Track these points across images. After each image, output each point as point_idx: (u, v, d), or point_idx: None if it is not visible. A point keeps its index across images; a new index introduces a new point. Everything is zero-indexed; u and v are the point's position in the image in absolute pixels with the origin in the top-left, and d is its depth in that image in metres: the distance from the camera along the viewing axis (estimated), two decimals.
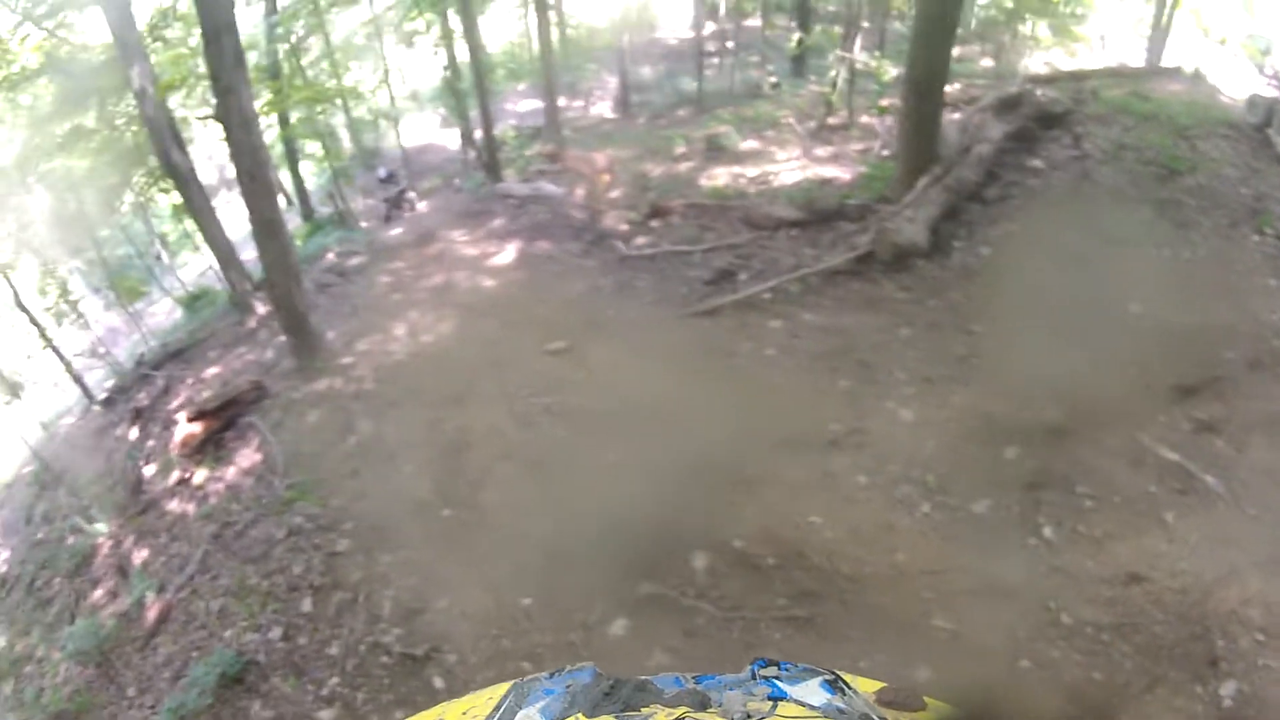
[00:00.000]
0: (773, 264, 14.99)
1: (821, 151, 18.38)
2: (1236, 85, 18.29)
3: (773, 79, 22.46)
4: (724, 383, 12.45)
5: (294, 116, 21.13)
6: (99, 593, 13.34)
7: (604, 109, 24.20)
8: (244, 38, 14.44)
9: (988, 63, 21.79)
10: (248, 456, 14.16)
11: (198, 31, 14.64)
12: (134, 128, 18.42)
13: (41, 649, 13.13)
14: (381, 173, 22.31)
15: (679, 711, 1.73)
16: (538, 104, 24.07)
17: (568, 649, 9.09)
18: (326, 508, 12.36)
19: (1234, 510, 9.66)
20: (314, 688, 10.00)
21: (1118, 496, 9.86)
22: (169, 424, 15.48)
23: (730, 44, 23.73)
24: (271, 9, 19.57)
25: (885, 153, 17.52)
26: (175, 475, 14.52)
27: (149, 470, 15.14)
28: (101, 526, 14.31)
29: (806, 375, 12.40)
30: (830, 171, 17.31)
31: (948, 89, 16.15)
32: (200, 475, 14.26)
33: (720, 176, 18.25)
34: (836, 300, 13.74)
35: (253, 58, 16.69)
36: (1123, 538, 9.42)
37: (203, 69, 15.95)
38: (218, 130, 16.10)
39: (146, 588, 12.60)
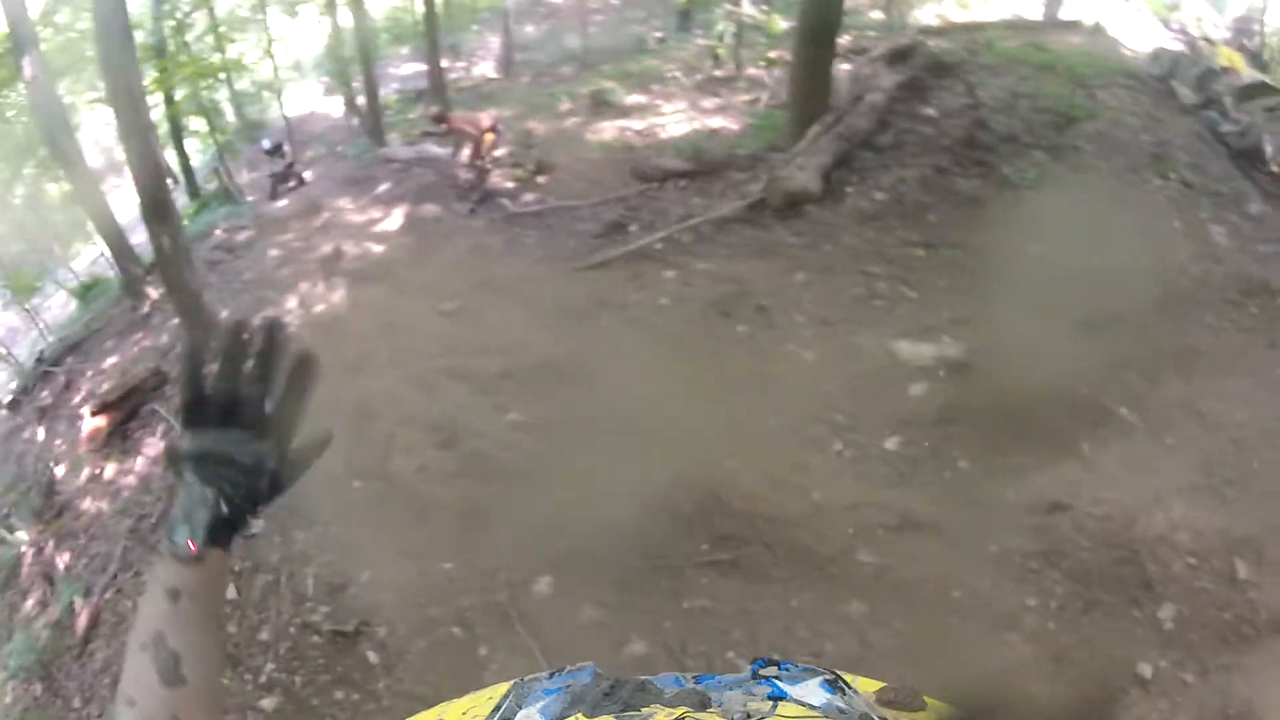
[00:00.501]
0: (662, 215, 15.00)
1: (708, 104, 18.53)
2: (1140, 40, 18.64)
3: (658, 34, 22.92)
4: (619, 334, 12.44)
5: (179, 94, 21.04)
6: (30, 603, 13.10)
7: (487, 69, 24.47)
8: (131, 17, 14.10)
9: (877, 15, 22.17)
10: (154, 446, 13.96)
11: (87, 16, 14.75)
12: (24, 119, 18.40)
13: None
14: (265, 144, 21.12)
15: (679, 711, 1.62)
16: (420, 68, 23.98)
17: (496, 610, 8.98)
18: None
19: (1151, 441, 9.73)
20: (251, 676, 9.80)
21: (1031, 430, 9.80)
22: (74, 420, 15.28)
23: (615, 2, 24.10)
24: None
25: (773, 104, 17.72)
26: (86, 472, 14.31)
27: (60, 470, 14.92)
28: (22, 535, 14.10)
29: (702, 323, 12.37)
30: (718, 123, 17.45)
31: (838, 40, 16.25)
32: (110, 469, 14.03)
33: (606, 131, 18.25)
34: (729, 248, 13.75)
35: (139, 37, 16.44)
36: (1040, 468, 9.36)
37: (92, 53, 15.92)
38: (104, 114, 16.55)
39: (73, 593, 12.37)
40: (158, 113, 19.73)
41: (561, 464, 9.82)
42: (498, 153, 17.72)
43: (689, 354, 11.72)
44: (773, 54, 19.73)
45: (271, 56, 22.92)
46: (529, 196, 16.84)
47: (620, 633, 8.34)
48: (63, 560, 13.12)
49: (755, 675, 1.86)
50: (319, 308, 15.18)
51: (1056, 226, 12.15)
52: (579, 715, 1.67)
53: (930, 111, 15.07)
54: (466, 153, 17.35)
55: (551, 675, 1.89)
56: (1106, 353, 10.48)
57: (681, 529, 9.20)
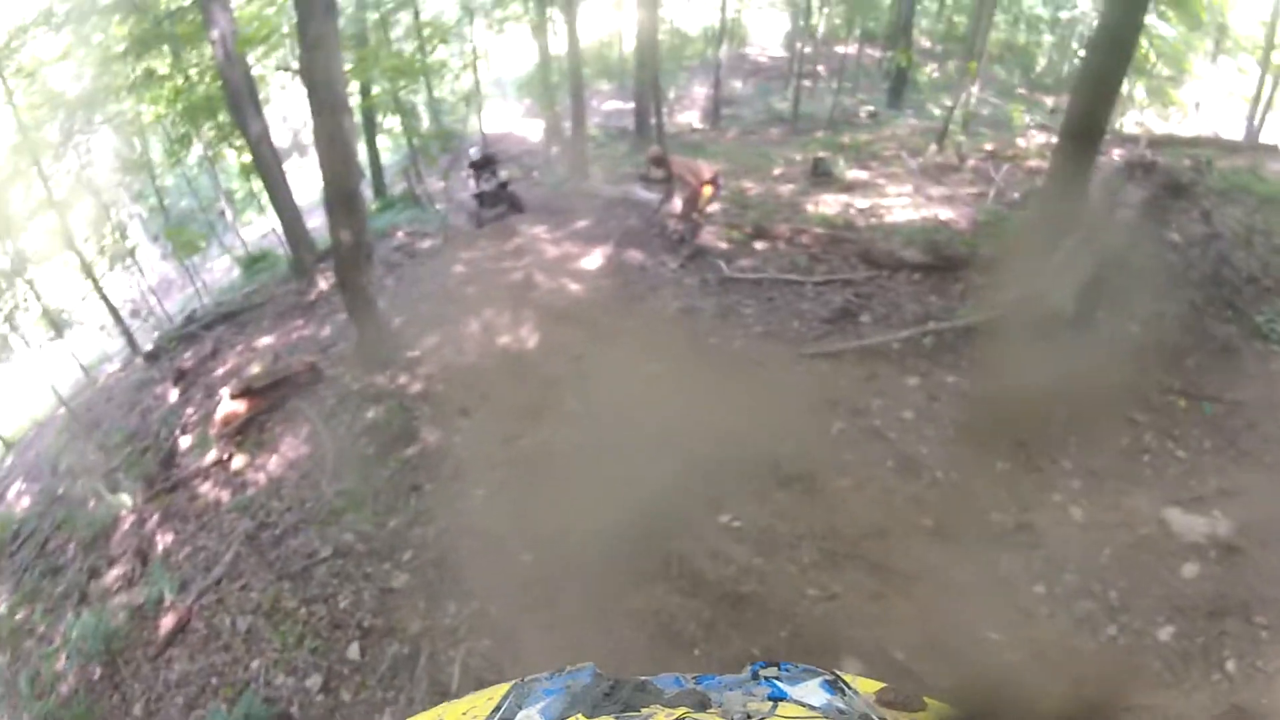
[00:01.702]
0: (896, 309, 12.79)
1: (935, 191, 16.07)
2: None
3: (870, 108, 20.37)
4: (855, 444, 10.36)
5: (376, 89, 19.29)
6: (114, 574, 11.25)
7: (692, 119, 22.12)
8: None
9: None
10: (294, 447, 12.05)
11: None
12: (208, 79, 16.87)
13: (43, 625, 11.09)
14: (473, 153, 18.53)
15: (679, 712, 1.55)
16: (622, 105, 22.31)
17: None
18: (381, 528, 10.20)
19: None
20: None
21: None
22: (213, 393, 13.49)
23: (821, 68, 21.90)
24: None
25: (1000, 202, 15.34)
26: (212, 455, 12.40)
27: (184, 441, 13.04)
28: (125, 498, 12.30)
29: (956, 449, 10.23)
30: (946, 214, 15.04)
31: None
32: (239, 460, 12.13)
33: (828, 204, 15.92)
34: (976, 363, 11.57)
35: (340, 25, 14.14)
36: None
37: (288, 28, 14.97)
38: (296, 92, 15.28)
39: (166, 584, 10.46)
40: (353, 102, 17.72)
41: (786, 592, 8.21)
42: (712, 208, 15.58)
43: (938, 484, 9.74)
44: (989, 146, 17.33)
45: (474, 69, 21.07)
46: (745, 261, 14.52)
47: None
48: (164, 540, 11.36)
49: (755, 676, 1.82)
50: (503, 338, 13.32)
51: None
52: (579, 715, 1.62)
53: (1175, 237, 12.65)
54: (680, 202, 15.31)
55: (552, 676, 1.84)
56: None
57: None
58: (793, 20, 22.37)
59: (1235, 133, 17.57)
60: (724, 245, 14.78)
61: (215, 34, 14.80)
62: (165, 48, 16.55)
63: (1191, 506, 9.18)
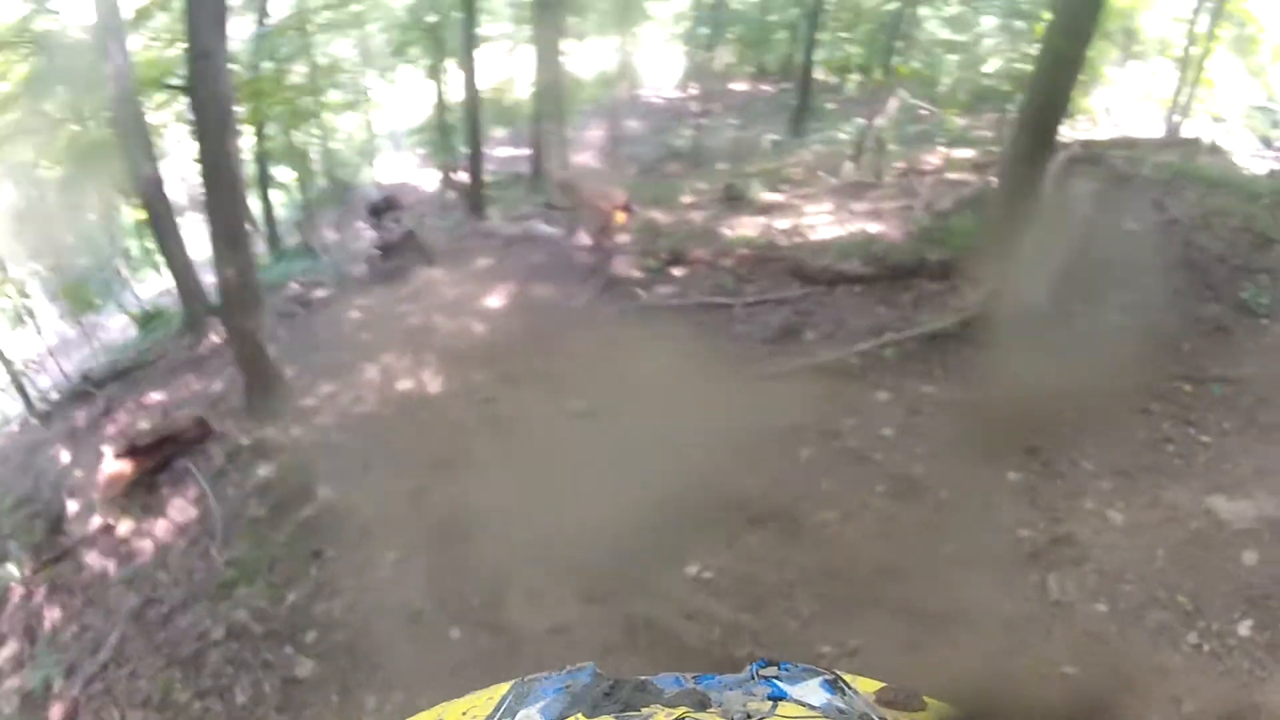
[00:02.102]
0: (842, 324, 11.56)
1: (857, 207, 14.80)
2: (1248, 159, 15.81)
3: (772, 137, 18.90)
4: (834, 471, 8.93)
5: (270, 130, 17.76)
6: (4, 656, 9.62)
7: (590, 159, 20.09)
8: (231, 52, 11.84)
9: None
10: (182, 510, 10.40)
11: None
12: (103, 125, 15.19)
13: None
14: (371, 198, 16.98)
15: (679, 711, 1.46)
16: (516, 152, 20.50)
17: None
18: (279, 603, 8.46)
19: None
20: None
21: None
22: (100, 454, 11.67)
23: (718, 105, 20.23)
24: (261, 24, 16.41)
25: (933, 211, 13.91)
26: (97, 521, 10.74)
27: (72, 506, 11.37)
28: (13, 569, 10.68)
29: (956, 465, 8.86)
30: (875, 227, 13.72)
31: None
32: (125, 526, 10.45)
33: (746, 227, 14.51)
34: (952, 371, 10.40)
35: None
36: None
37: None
38: (191, 149, 13.07)
39: (53, 669, 8.92)
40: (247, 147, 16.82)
41: (792, 652, 5.56)
42: (623, 238, 14.25)
43: (946, 506, 8.37)
44: (901, 163, 15.96)
45: (367, 121, 19.87)
46: (664, 289, 13.21)
47: None
48: (50, 617, 9.79)
49: (755, 675, 1.75)
50: (404, 383, 11.90)
51: None
52: (579, 715, 1.55)
53: (1133, 226, 12.09)
54: (587, 232, 14.16)
55: (552, 675, 1.77)
56: None
57: None
58: (688, 58, 21.10)
59: (1151, 134, 16.66)
60: (638, 274, 13.36)
61: (111, 69, 13.44)
62: (60, 88, 15.04)
63: (1233, 491, 8.29)
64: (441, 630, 7.34)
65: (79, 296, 17.03)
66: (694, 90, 20.30)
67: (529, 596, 7.44)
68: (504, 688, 1.77)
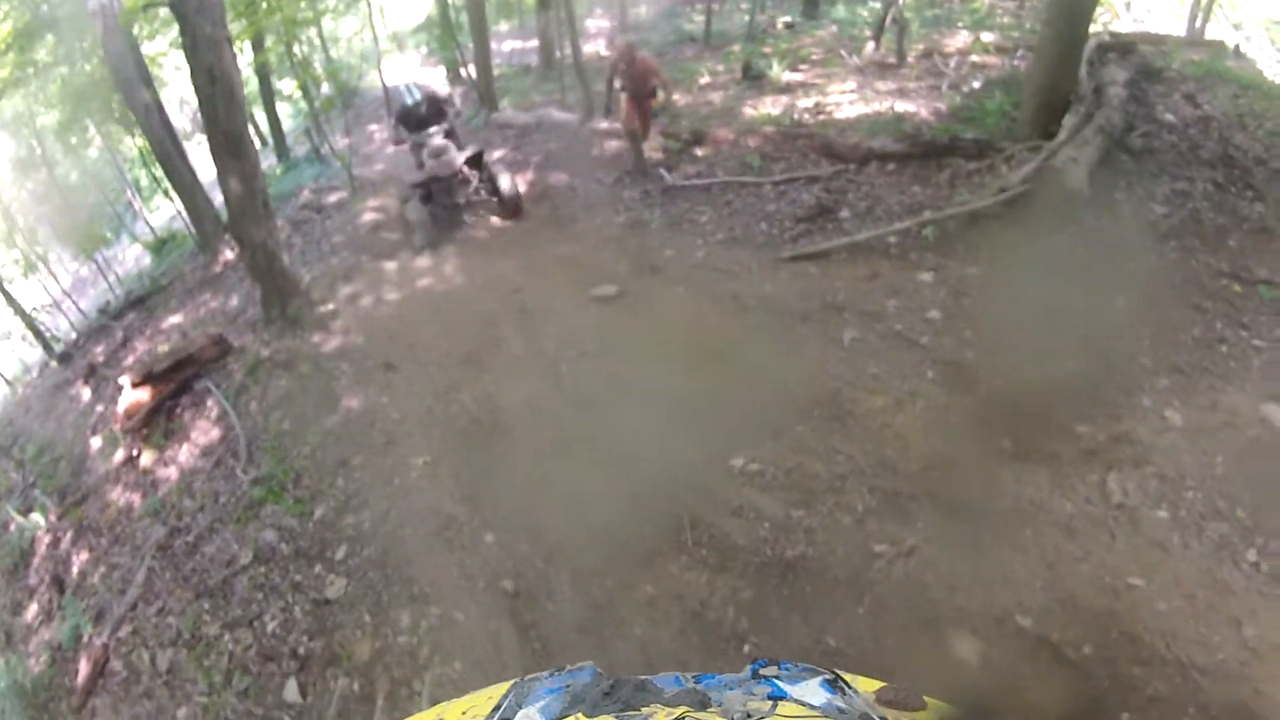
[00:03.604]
0: (878, 202, 10.81)
1: (881, 86, 14.05)
2: (1266, 66, 15.15)
3: (786, 19, 18.32)
4: (880, 354, 8.26)
5: (269, 46, 17.25)
6: (33, 611, 9.31)
7: (599, 47, 20.02)
8: None
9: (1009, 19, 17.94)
10: (205, 432, 9.88)
11: None
12: (95, 62, 15.17)
13: None
14: (407, 93, 13.82)
15: (679, 711, 1.45)
16: (523, 44, 20.88)
17: None
18: (307, 519, 7.88)
19: None
20: None
21: None
22: (119, 386, 11.18)
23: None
24: None
25: (963, 92, 13.36)
26: (119, 454, 10.36)
27: (95, 444, 11.06)
28: (38, 518, 10.37)
29: (1007, 353, 8.19)
30: (903, 106, 12.97)
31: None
32: (148, 456, 9.99)
33: (768, 106, 13.81)
34: (997, 252, 9.63)
35: None
36: None
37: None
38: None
39: (81, 617, 8.49)
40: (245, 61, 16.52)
41: (846, 551, 6.15)
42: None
43: (1000, 396, 7.65)
44: (921, 45, 15.17)
45: (371, 27, 19.37)
46: (689, 169, 12.47)
47: None
48: (78, 561, 9.35)
49: (755, 675, 1.70)
50: (425, 279, 11.46)
51: None
52: (579, 714, 1.53)
53: (1170, 118, 11.21)
54: (631, 107, 12.77)
55: (551, 674, 1.75)
56: None
57: (1085, 685, 5.47)
58: None
59: (1176, 32, 16.16)
60: (659, 155, 12.72)
61: (93, 5, 13.18)
62: (49, 36, 14.82)
63: None
64: (476, 536, 6.86)
65: (89, 234, 16.98)
66: None
67: (566, 496, 6.93)
68: (504, 687, 1.72)
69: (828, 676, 1.58)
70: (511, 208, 12.67)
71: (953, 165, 11.16)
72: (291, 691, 6.33)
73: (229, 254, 13.84)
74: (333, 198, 14.98)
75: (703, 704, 1.47)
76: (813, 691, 1.52)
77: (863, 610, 5.70)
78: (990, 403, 7.52)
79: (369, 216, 13.90)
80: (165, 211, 18.19)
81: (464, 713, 1.71)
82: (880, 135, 11.83)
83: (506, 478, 7.33)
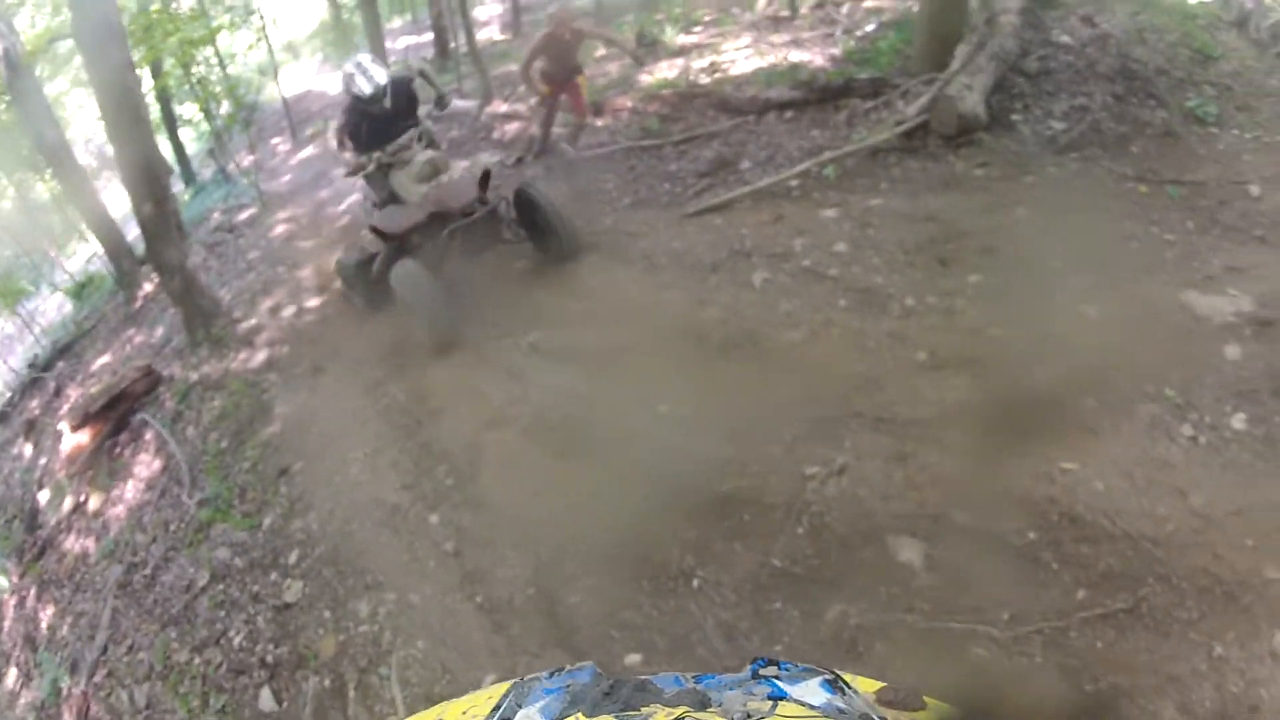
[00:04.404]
0: (778, 149, 11.12)
1: (776, 39, 14.45)
2: None
3: None
4: (795, 293, 8.53)
5: (167, 70, 17.34)
6: (12, 674, 9.30)
7: (492, 33, 20.53)
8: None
9: None
10: (147, 464, 10.05)
11: None
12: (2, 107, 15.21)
13: None
14: (363, 82, 9.24)
15: (679, 711, 1.44)
16: (417, 39, 21.12)
17: None
18: (256, 531, 8.07)
19: None
20: None
21: None
22: (58, 434, 11.44)
23: None
24: None
25: (857, 36, 13.72)
26: (68, 501, 10.51)
27: (44, 497, 11.18)
28: (1, 581, 10.49)
29: (916, 273, 8.55)
30: (798, 55, 13.38)
31: None
32: (95, 499, 10.13)
33: (664, 70, 14.25)
34: (897, 182, 9.98)
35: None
36: None
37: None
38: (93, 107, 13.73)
39: (58, 670, 8.54)
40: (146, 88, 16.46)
41: (779, 480, 6.39)
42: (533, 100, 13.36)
43: (913, 313, 8.00)
44: None
45: (265, 39, 19.08)
46: (589, 140, 12.76)
47: None
48: (45, 615, 9.41)
49: (755, 675, 1.68)
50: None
51: (1262, 165, 9.47)
52: (579, 715, 1.52)
53: (1065, 39, 11.66)
54: (550, 82, 12.23)
55: (551, 675, 1.74)
56: None
57: (1028, 569, 5.74)
58: None
59: None
60: (561, 130, 12.92)
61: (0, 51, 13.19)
62: None
63: (1206, 287, 7.96)
64: (421, 519, 7.07)
65: (8, 288, 16.79)
66: None
67: (500, 466, 7.19)
68: (504, 687, 1.70)
69: (828, 677, 1.60)
70: (570, 244, 9.60)
71: (849, 106, 11.39)
72: (266, 700, 6.48)
73: (148, 287, 13.88)
74: (243, 215, 15.05)
75: (703, 704, 1.49)
76: (813, 692, 1.54)
77: (802, 530, 5.93)
78: (903, 320, 7.78)
79: (281, 229, 13.92)
80: (82, 254, 18.34)
81: (464, 713, 1.71)
82: (776, 85, 12.04)
83: (442, 458, 7.53)
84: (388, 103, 9.50)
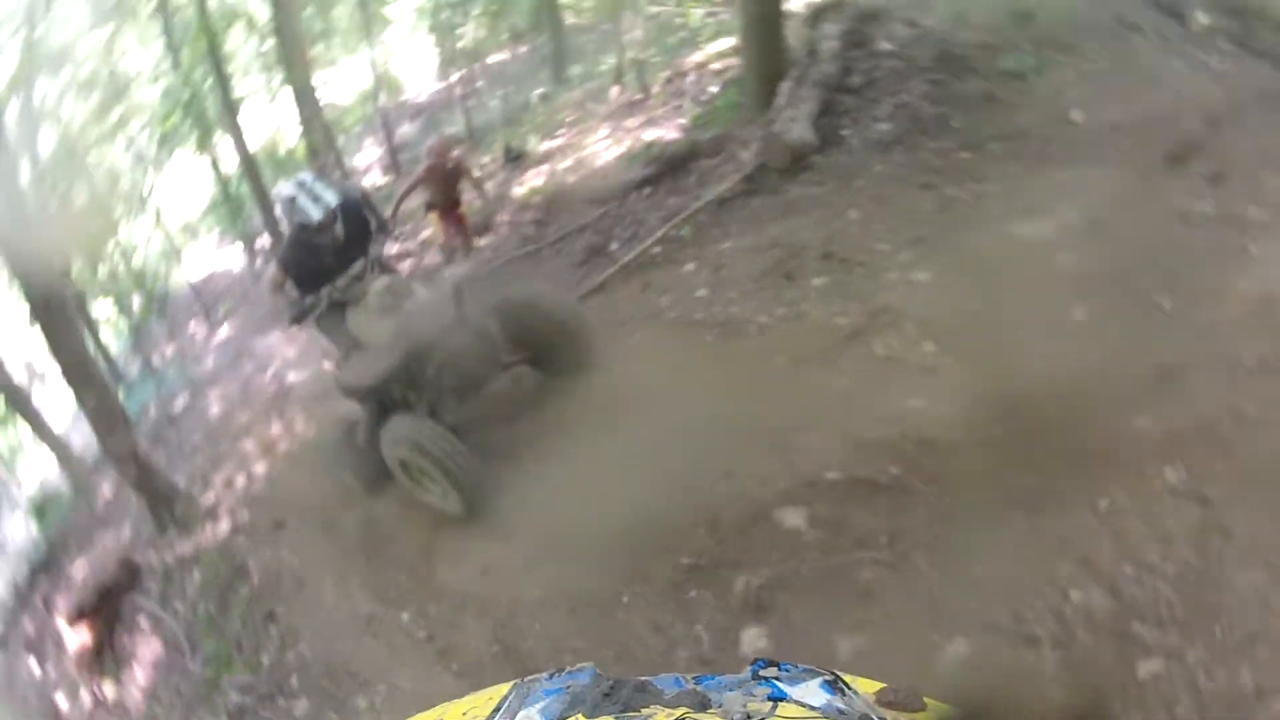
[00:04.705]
0: (641, 224, 12.21)
1: (631, 123, 15.66)
2: None
3: (539, 91, 19.80)
4: (666, 341, 9.69)
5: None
6: None
7: (375, 178, 21.09)
8: None
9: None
10: (150, 646, 10.78)
11: None
12: None
13: None
14: (309, 207, 8.09)
15: (679, 712, 1.47)
16: None
17: None
18: (258, 670, 9.03)
19: None
20: None
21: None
22: (60, 642, 12.06)
23: (481, 82, 21.06)
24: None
25: (704, 101, 14.94)
26: (87, 699, 11.04)
27: (63, 703, 11.54)
28: None
29: (766, 294, 9.64)
30: (651, 134, 14.60)
31: None
32: (110, 689, 10.79)
33: (533, 178, 15.48)
34: (745, 222, 11.02)
35: None
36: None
37: None
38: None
39: None
40: None
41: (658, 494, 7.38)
42: (426, 232, 14.64)
43: (768, 329, 9.17)
44: (665, 73, 16.76)
45: (161, 226, 19.42)
46: (474, 262, 13.52)
47: None
48: None
49: (755, 676, 1.70)
50: (283, 444, 12.54)
51: (1084, 93, 10.70)
52: (579, 716, 1.54)
53: (887, 46, 12.78)
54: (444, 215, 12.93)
55: (551, 676, 1.75)
56: None
57: (905, 496, 6.85)
58: (441, 47, 21.61)
59: None
60: (442, 258, 13.89)
61: None
62: None
63: (1030, 215, 8.93)
64: (394, 619, 8.08)
65: None
66: (455, 75, 20.80)
67: (450, 559, 8.31)
68: (504, 688, 1.77)
69: (828, 677, 1.65)
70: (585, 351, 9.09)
71: (698, 167, 12.49)
72: None
73: (106, 491, 14.45)
74: (177, 405, 15.85)
75: (703, 705, 1.53)
76: (813, 693, 1.59)
77: (703, 529, 7.08)
78: (759, 338, 8.93)
79: (215, 410, 14.74)
80: (36, 470, 18.32)
81: (464, 714, 1.79)
82: (633, 166, 13.17)
83: (400, 566, 8.64)
84: (339, 229, 8.35)
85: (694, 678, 1.71)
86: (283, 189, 8.46)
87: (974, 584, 5.92)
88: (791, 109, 11.64)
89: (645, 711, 1.50)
